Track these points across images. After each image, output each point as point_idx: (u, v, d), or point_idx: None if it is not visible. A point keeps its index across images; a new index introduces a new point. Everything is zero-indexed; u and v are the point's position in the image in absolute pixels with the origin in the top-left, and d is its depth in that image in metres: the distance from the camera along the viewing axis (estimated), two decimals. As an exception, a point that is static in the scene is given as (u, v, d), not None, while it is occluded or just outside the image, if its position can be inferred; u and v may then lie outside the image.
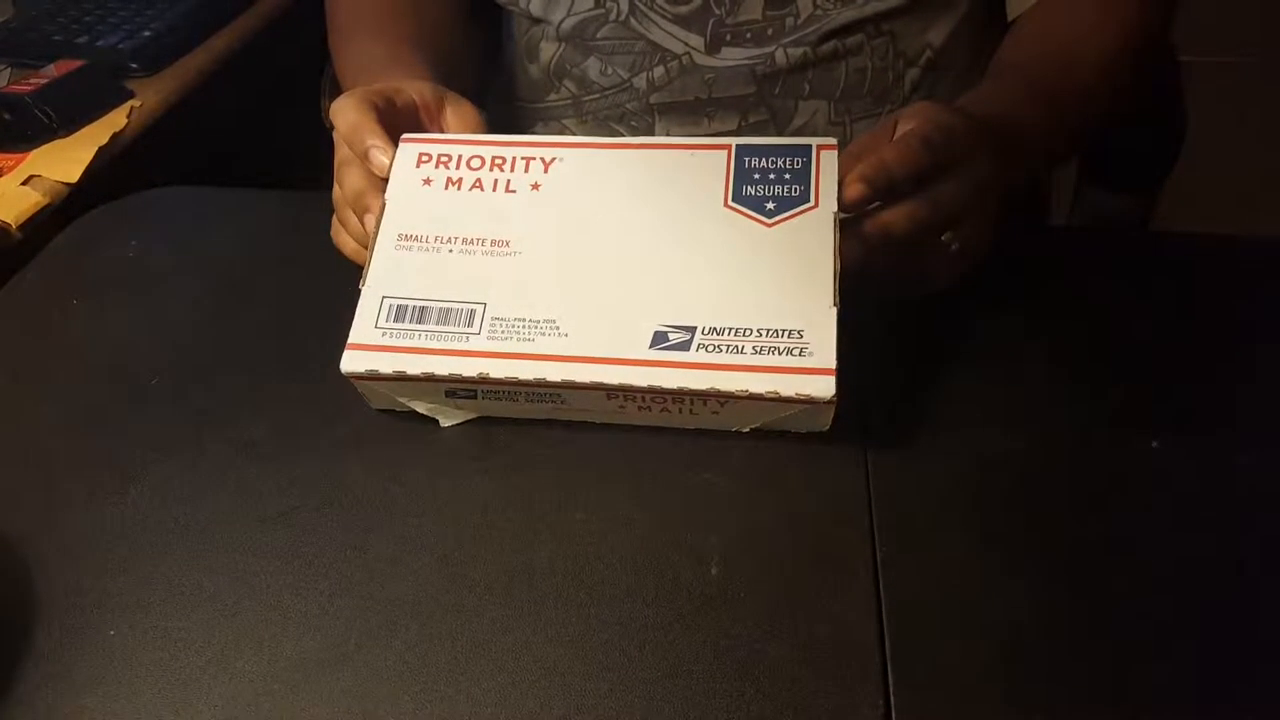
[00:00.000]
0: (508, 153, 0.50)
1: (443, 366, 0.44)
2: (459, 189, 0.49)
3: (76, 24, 0.96)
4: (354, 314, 0.46)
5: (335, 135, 0.52)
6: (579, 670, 0.38)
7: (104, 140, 0.81)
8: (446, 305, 0.45)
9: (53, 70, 0.87)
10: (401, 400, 0.46)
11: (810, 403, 0.42)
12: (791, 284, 0.44)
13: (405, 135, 0.51)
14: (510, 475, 0.46)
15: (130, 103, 0.86)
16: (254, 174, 0.72)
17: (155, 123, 0.86)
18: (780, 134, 0.70)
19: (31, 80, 0.84)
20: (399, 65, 0.61)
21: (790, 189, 0.46)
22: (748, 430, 0.46)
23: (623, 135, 0.72)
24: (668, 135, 0.70)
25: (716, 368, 0.42)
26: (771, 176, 0.46)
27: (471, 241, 0.47)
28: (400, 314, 0.45)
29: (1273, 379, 0.50)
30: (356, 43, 0.68)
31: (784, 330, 0.43)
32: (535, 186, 0.48)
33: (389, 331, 0.45)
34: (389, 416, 0.48)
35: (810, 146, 0.47)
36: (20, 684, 0.38)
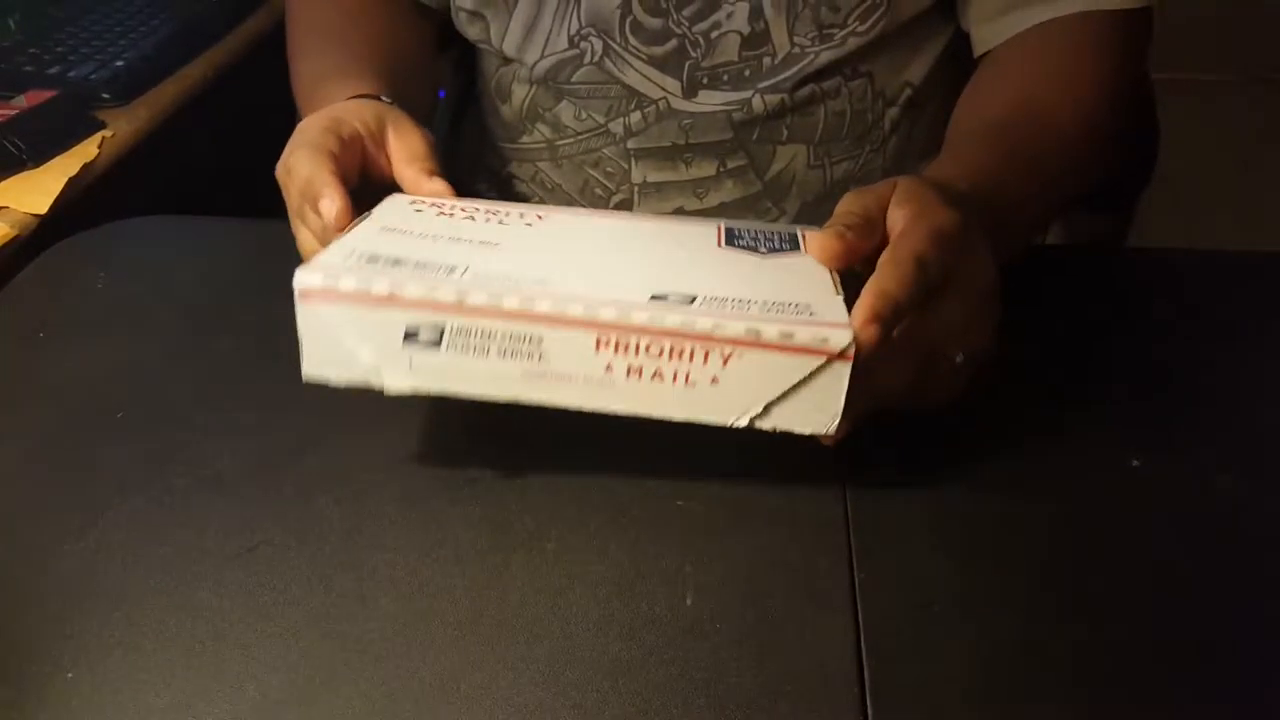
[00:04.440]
0: (501, 207, 0.50)
1: (415, 288, 0.40)
2: (450, 217, 0.48)
3: (48, 54, 0.95)
4: None
5: (287, 186, 0.51)
6: (549, 708, 0.36)
7: (74, 171, 0.80)
8: (424, 259, 0.42)
9: (23, 101, 0.86)
10: (348, 345, 0.41)
11: (825, 353, 0.39)
12: (793, 282, 0.43)
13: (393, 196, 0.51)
14: (481, 505, 0.45)
15: (101, 133, 0.85)
16: (225, 204, 0.71)
17: (127, 153, 0.86)
18: (759, 178, 0.70)
19: (1, 111, 0.84)
20: (346, 77, 0.60)
21: (780, 244, 0.48)
22: (745, 424, 0.41)
23: (599, 180, 0.72)
24: (645, 180, 0.70)
25: (721, 315, 0.39)
26: (760, 238, 0.48)
27: (459, 240, 0.45)
28: (372, 259, 0.42)
29: (1255, 392, 0.50)
30: (307, 58, 0.67)
31: (791, 303, 0.40)
32: (529, 225, 0.48)
33: (356, 267, 0.41)
34: (358, 449, 0.47)
35: (796, 229, 0.49)
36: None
